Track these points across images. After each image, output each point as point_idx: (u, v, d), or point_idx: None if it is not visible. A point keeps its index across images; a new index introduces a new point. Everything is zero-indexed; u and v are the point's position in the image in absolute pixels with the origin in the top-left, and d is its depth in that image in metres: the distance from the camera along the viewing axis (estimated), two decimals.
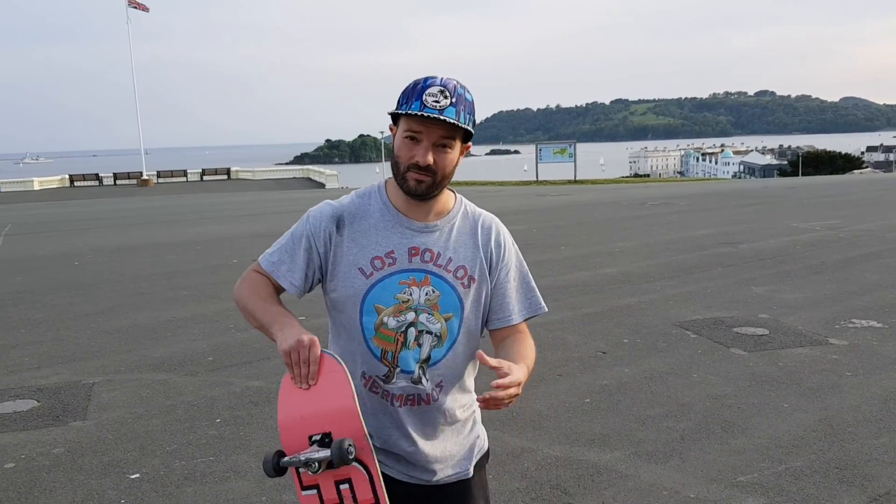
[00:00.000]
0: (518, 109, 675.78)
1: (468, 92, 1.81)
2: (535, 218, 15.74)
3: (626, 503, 3.57)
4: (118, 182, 48.80)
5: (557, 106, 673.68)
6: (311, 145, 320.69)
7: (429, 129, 1.77)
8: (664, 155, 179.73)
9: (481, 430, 2.05)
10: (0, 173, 48.45)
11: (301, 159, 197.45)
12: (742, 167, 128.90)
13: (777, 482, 3.73)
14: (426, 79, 1.78)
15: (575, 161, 40.96)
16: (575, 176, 39.90)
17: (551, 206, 19.05)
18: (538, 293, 2.03)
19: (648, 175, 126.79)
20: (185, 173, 51.81)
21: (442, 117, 1.74)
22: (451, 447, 1.94)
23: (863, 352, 5.77)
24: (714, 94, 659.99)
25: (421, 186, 1.81)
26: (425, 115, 1.73)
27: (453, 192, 1.96)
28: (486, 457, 2.06)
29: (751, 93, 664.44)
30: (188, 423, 4.66)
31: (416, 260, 1.84)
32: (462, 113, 1.78)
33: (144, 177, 48.18)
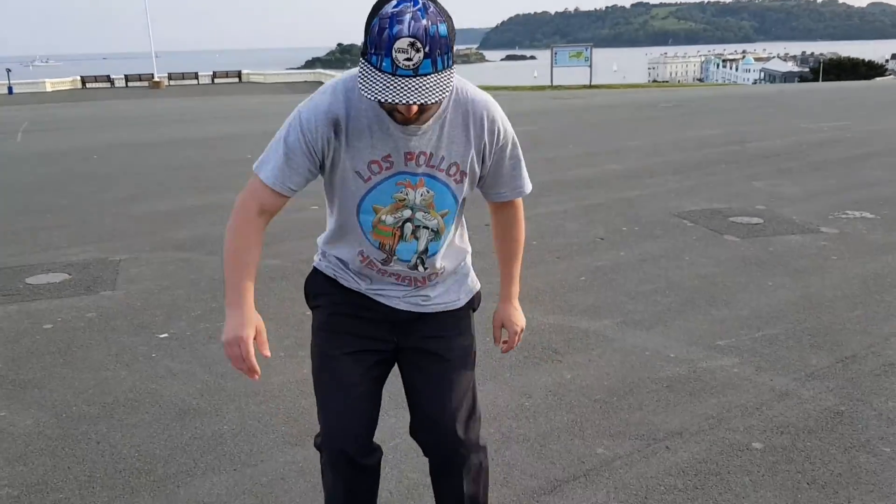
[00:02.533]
0: (535, 13, 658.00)
1: (440, 19, 1.58)
2: (546, 119, 15.78)
3: (610, 361, 3.91)
4: (130, 84, 48.56)
5: (576, 9, 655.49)
6: (323, 49, 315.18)
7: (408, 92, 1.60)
8: (684, 61, 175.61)
9: (473, 276, 2.18)
10: (11, 76, 48.07)
11: (312, 64, 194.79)
12: (763, 74, 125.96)
13: (752, 346, 4.05)
14: (392, 21, 1.55)
15: (591, 65, 40.30)
16: (591, 81, 39.33)
17: (563, 109, 19.02)
18: (526, 175, 2.05)
19: (667, 82, 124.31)
20: (196, 76, 51.41)
21: (417, 77, 1.58)
22: (442, 290, 2.06)
23: (851, 239, 6.01)
24: None
25: (409, 119, 1.73)
26: (399, 76, 1.58)
27: None
28: (477, 299, 2.18)
29: None
30: (210, 293, 5.02)
31: (411, 164, 1.83)
32: (439, 59, 1.58)
33: (156, 79, 47.92)
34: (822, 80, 62.15)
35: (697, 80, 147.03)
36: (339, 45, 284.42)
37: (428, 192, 1.87)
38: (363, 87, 1.60)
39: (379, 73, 1.58)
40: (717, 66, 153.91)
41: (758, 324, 4.35)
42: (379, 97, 1.58)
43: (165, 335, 4.34)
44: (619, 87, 39.32)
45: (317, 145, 1.79)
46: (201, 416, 3.40)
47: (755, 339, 4.13)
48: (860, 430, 3.19)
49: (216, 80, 50.44)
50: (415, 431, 2.12)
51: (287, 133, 1.82)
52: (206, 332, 4.37)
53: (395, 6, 1.56)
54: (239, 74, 51.86)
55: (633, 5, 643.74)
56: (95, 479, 2.94)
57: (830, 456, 3.01)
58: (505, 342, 2.23)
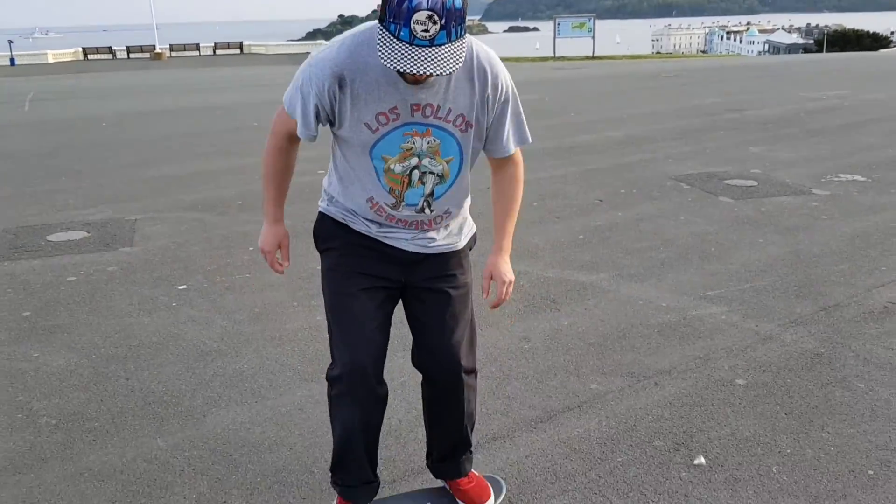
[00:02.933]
0: None
1: None
2: (548, 88, 15.89)
3: (605, 310, 4.13)
4: (131, 56, 48.44)
5: None
6: (324, 21, 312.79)
7: (424, 63, 1.73)
8: (688, 33, 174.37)
9: (470, 219, 2.37)
10: (13, 47, 47.98)
11: (313, 35, 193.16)
12: (767, 46, 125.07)
13: (741, 296, 4.28)
14: None
15: (594, 36, 40.18)
16: (593, 52, 39.25)
17: (565, 78, 19.10)
18: (526, 126, 2.19)
19: (671, 53, 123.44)
20: (197, 47, 51.24)
21: (433, 47, 1.71)
22: (445, 234, 2.26)
23: (842, 200, 6.21)
24: None
25: (419, 81, 1.90)
26: (416, 45, 1.71)
27: None
28: (473, 239, 2.40)
29: None
30: (224, 249, 5.24)
31: (417, 115, 1.95)
32: (453, 30, 1.72)
33: (157, 50, 47.82)
34: (826, 52, 61.82)
35: (701, 51, 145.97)
36: (341, 16, 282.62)
37: (434, 140, 2.01)
38: (382, 55, 1.73)
39: (397, 42, 1.71)
40: (721, 37, 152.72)
41: (747, 276, 4.57)
42: (398, 66, 1.71)
43: (184, 286, 4.57)
44: (622, 58, 39.21)
45: (324, 98, 1.95)
46: (222, 357, 3.64)
47: (743, 290, 4.36)
48: (837, 369, 3.42)
49: (217, 52, 50.31)
50: (419, 360, 2.33)
51: (301, 83, 1.99)
52: (222, 284, 4.60)
53: None
54: (240, 46, 51.70)
55: None
56: (127, 410, 3.18)
57: (808, 391, 3.24)
58: (495, 300, 2.33)
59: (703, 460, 2.77)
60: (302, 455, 2.83)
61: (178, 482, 2.69)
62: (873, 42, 70.78)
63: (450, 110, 1.98)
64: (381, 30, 1.75)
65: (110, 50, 49.76)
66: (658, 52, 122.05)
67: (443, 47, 1.72)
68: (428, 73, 1.73)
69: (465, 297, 2.31)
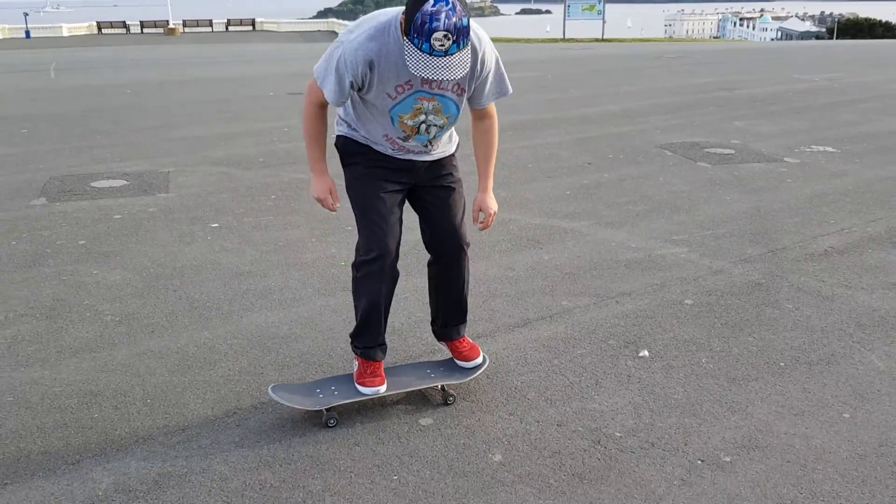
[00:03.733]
0: None
1: (464, 14, 2.29)
2: (553, 67, 16.44)
3: (582, 250, 4.77)
4: (145, 30, 49.02)
5: None
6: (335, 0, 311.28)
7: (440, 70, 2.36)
8: (701, 18, 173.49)
9: (455, 134, 3.01)
10: (23, 20, 48.57)
11: (324, 14, 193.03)
12: (780, 33, 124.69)
13: (701, 240, 4.91)
14: (431, 18, 2.25)
15: (603, 18, 40.50)
16: (602, 34, 39.60)
17: (570, 58, 19.62)
18: (507, 81, 2.73)
19: (683, 38, 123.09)
20: (210, 23, 51.73)
21: (447, 56, 2.32)
22: (440, 146, 2.89)
23: (810, 168, 6.82)
24: None
25: (444, 48, 2.37)
26: (434, 56, 2.31)
27: None
28: (457, 146, 3.01)
29: None
30: (250, 197, 5.89)
31: (425, 86, 2.56)
32: (461, 41, 2.31)
33: (171, 25, 48.37)
34: (836, 40, 61.86)
35: (713, 37, 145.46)
36: None
37: (437, 103, 2.64)
38: (410, 63, 2.35)
39: (419, 53, 2.32)
40: (734, 24, 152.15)
41: (710, 225, 5.20)
42: (422, 74, 2.35)
43: (216, 225, 5.23)
44: (631, 41, 39.56)
45: (357, 77, 2.53)
46: (253, 277, 4.30)
47: (704, 236, 4.99)
48: (772, 294, 4.06)
49: (230, 28, 50.81)
50: (430, 241, 2.99)
51: (337, 63, 2.54)
52: (250, 224, 5.26)
53: (433, 6, 2.24)
54: (253, 23, 52.16)
55: None
56: (177, 311, 3.85)
57: (744, 309, 3.88)
58: (482, 223, 3.00)
59: (646, 353, 3.42)
60: (322, 344, 3.49)
61: (223, 360, 3.36)
62: (885, 31, 70.68)
63: (449, 81, 2.57)
64: (407, 42, 2.36)
65: (124, 24, 50.30)
66: (670, 37, 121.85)
67: (454, 56, 2.34)
68: (444, 79, 2.37)
69: (460, 188, 2.99)
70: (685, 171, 6.69)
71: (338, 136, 2.90)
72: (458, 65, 2.37)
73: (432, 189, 2.93)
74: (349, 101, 2.75)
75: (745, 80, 13.22)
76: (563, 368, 3.29)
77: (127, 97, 11.82)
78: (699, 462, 2.64)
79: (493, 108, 2.85)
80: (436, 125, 2.71)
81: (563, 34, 39.32)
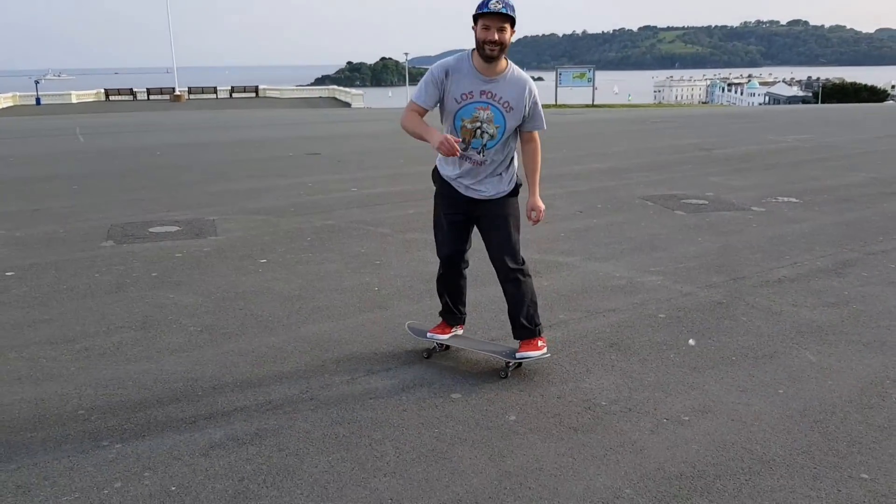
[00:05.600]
0: (543, 35, 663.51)
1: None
2: (547, 130, 17.58)
3: (575, 278, 5.69)
4: (151, 97, 50.81)
5: (584, 32, 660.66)
6: (332, 67, 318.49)
7: (494, 20, 3.47)
8: (690, 84, 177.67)
9: (515, 174, 4.00)
10: (26, 89, 50.30)
11: (322, 81, 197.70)
12: (767, 98, 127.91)
13: (675, 271, 5.84)
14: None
15: (593, 86, 42.24)
16: (593, 100, 41.27)
17: (562, 122, 20.88)
18: (542, 118, 3.84)
19: (672, 104, 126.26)
20: (215, 90, 53.67)
21: (502, 11, 3.45)
22: (492, 183, 3.88)
23: (774, 215, 7.81)
24: (745, 22, 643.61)
25: (494, 51, 3.53)
26: (492, 10, 3.45)
27: (506, 59, 3.67)
28: (517, 188, 3.99)
29: (783, 21, 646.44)
30: (287, 239, 6.83)
31: (483, 97, 3.63)
32: (509, 8, 3.46)
33: (177, 92, 50.16)
34: (822, 104, 63.96)
35: (702, 103, 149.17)
36: (349, 63, 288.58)
37: (490, 113, 3.67)
38: (478, 10, 3.48)
39: (482, 10, 3.49)
40: (723, 89, 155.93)
41: (682, 260, 6.14)
42: (485, 9, 3.46)
43: (264, 260, 6.15)
44: (620, 107, 41.23)
45: (439, 82, 3.63)
46: (302, 300, 5.20)
47: (678, 268, 5.92)
48: (731, 311, 4.97)
49: (234, 95, 52.68)
50: (492, 262, 3.98)
51: (427, 76, 3.67)
52: (292, 259, 6.18)
53: None
54: (256, 90, 54.10)
55: (640, 28, 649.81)
56: (246, 324, 4.74)
57: (707, 321, 4.78)
58: (533, 219, 3.99)
59: (625, 351, 4.31)
60: (368, 346, 4.38)
61: (290, 357, 4.24)
62: (871, 95, 72.82)
63: (501, 97, 3.67)
64: (476, 13, 3.53)
65: (131, 91, 52.15)
66: (660, 103, 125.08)
67: (504, 12, 3.49)
68: (496, 11, 3.45)
69: (512, 225, 3.94)
70: (663, 218, 7.67)
71: (434, 169, 3.98)
72: (507, 10, 3.49)
73: (486, 221, 3.92)
74: (442, 125, 3.78)
75: (721, 141, 14.37)
76: (562, 360, 4.18)
77: (158, 158, 12.88)
78: (665, 420, 3.51)
79: (536, 134, 3.91)
80: (487, 133, 3.70)
81: (556, 100, 40.96)
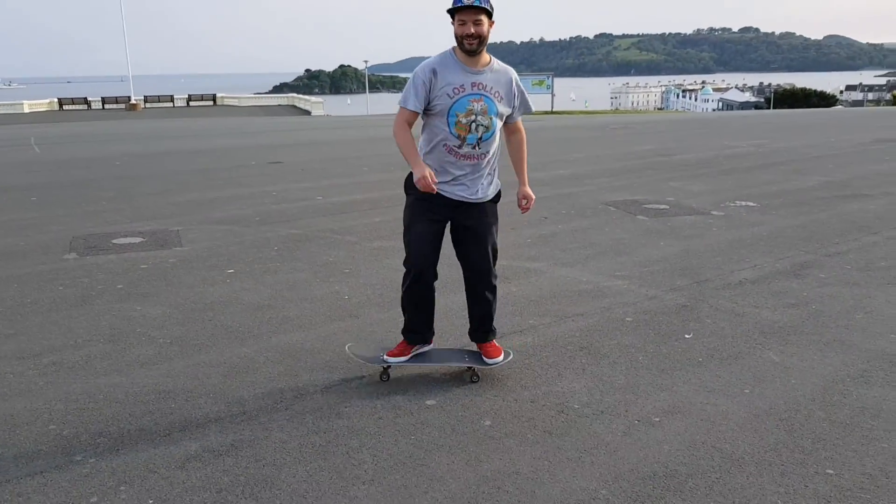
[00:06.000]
0: (501, 42, 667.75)
1: None
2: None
3: (543, 284, 5.76)
4: (106, 106, 49.92)
5: (541, 39, 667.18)
6: (291, 75, 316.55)
7: (468, 13, 3.50)
8: (645, 91, 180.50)
9: (498, 180, 4.03)
10: None
11: (280, 89, 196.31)
12: (721, 104, 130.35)
13: (639, 275, 5.95)
14: None
15: (552, 93, 42.68)
16: (552, 107, 41.71)
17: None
18: (529, 101, 3.90)
19: (628, 110, 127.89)
20: (171, 98, 52.89)
21: (475, 4, 3.49)
22: (481, 186, 3.88)
23: (732, 219, 7.99)
24: (698, 29, 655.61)
25: (473, 45, 3.56)
26: (465, 3, 3.48)
27: (488, 53, 3.72)
28: (498, 195, 4.02)
29: (735, 29, 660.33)
30: (255, 249, 6.80)
31: (475, 89, 3.63)
32: (483, 0, 3.50)
33: (133, 101, 49.37)
34: (773, 110, 65.43)
35: (658, 109, 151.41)
36: (308, 70, 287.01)
37: (484, 104, 3.66)
38: (453, 5, 3.52)
39: (456, 5, 3.53)
40: (678, 95, 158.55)
41: (646, 264, 6.25)
42: (458, 3, 3.48)
43: (232, 270, 6.11)
44: (579, 114, 41.70)
45: (427, 82, 3.61)
46: (272, 309, 5.18)
47: (642, 272, 6.03)
48: (695, 313, 5.08)
49: (191, 103, 52.02)
50: (465, 270, 3.97)
51: (413, 79, 3.64)
52: (259, 269, 6.15)
53: None
54: (214, 98, 53.46)
55: (596, 36, 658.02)
56: (216, 335, 4.71)
57: (672, 323, 4.89)
58: (524, 207, 4.04)
59: (594, 354, 4.39)
60: (340, 354, 4.38)
61: (263, 367, 4.23)
62: (821, 100, 74.75)
63: (492, 87, 3.71)
64: (450, 8, 3.56)
65: (85, 100, 51.15)
66: (616, 109, 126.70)
67: (476, 6, 3.52)
68: (468, 5, 3.49)
69: (492, 233, 3.95)
70: (626, 223, 7.80)
71: (408, 177, 3.82)
72: (479, 6, 3.52)
73: (467, 228, 3.89)
74: (424, 130, 3.78)
75: (679, 146, 14.65)
76: (533, 365, 4.24)
77: (119, 168, 12.69)
78: (636, 421, 3.59)
79: (520, 123, 3.98)
80: (482, 125, 3.69)
81: None
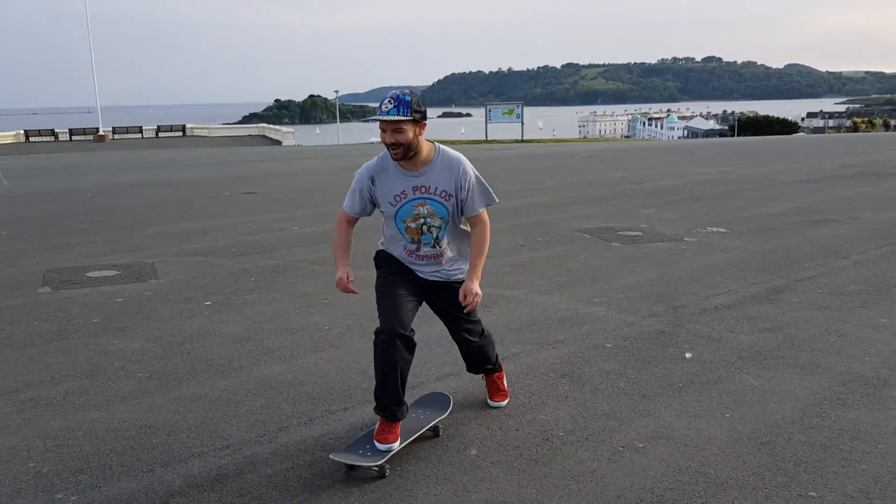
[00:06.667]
0: (470, 72, 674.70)
1: (409, 95, 3.24)
2: (480, 166, 17.77)
3: (523, 311, 5.80)
4: (74, 138, 49.46)
5: (509, 69, 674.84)
6: (260, 105, 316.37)
7: (385, 123, 3.24)
8: (612, 119, 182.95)
9: (464, 264, 3.82)
10: None
11: (250, 119, 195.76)
12: (686, 132, 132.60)
13: (617, 301, 6.01)
14: (387, 94, 3.25)
15: (522, 121, 43.11)
16: (522, 135, 42.11)
17: (495, 157, 21.27)
18: (492, 192, 3.55)
19: (596, 138, 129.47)
20: (140, 129, 52.54)
21: (390, 115, 3.21)
22: (449, 272, 3.76)
23: (705, 245, 8.12)
24: (662, 59, 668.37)
25: (398, 154, 3.31)
26: (379, 118, 3.24)
27: (433, 143, 3.44)
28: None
29: (698, 58, 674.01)
30: (232, 281, 6.76)
31: (417, 193, 3.40)
32: (400, 109, 3.20)
33: (101, 133, 48.99)
34: (738, 137, 66.76)
35: (625, 137, 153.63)
36: (277, 100, 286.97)
37: (430, 208, 3.46)
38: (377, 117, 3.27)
39: (378, 116, 3.26)
40: (644, 123, 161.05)
41: (623, 290, 6.32)
42: (378, 114, 3.24)
43: (209, 302, 6.07)
44: (549, 142, 42.17)
45: (364, 190, 3.49)
46: (252, 341, 5.15)
47: (620, 298, 6.10)
48: (673, 339, 5.14)
49: (160, 134, 51.73)
50: (453, 336, 3.89)
51: (353, 183, 3.51)
52: (237, 300, 6.12)
53: (394, 91, 3.26)
54: (183, 129, 53.23)
55: (563, 66, 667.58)
56: (195, 368, 4.67)
57: (650, 348, 4.94)
58: (467, 304, 3.67)
59: (577, 381, 4.42)
60: (323, 386, 4.37)
61: (245, 400, 4.19)
62: (783, 127, 76.53)
63: (436, 188, 3.45)
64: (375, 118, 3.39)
65: (52, 132, 50.60)
66: (585, 137, 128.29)
67: (394, 116, 3.24)
68: (385, 116, 3.23)
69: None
70: (601, 249, 7.89)
71: (377, 251, 3.77)
72: (393, 120, 3.25)
73: (442, 308, 3.77)
74: (384, 225, 3.63)
75: (650, 174, 14.88)
76: (517, 393, 4.25)
77: (89, 201, 12.57)
78: (621, 448, 3.61)
79: (484, 214, 3.62)
80: (434, 226, 3.52)
81: (486, 136, 41.63)
